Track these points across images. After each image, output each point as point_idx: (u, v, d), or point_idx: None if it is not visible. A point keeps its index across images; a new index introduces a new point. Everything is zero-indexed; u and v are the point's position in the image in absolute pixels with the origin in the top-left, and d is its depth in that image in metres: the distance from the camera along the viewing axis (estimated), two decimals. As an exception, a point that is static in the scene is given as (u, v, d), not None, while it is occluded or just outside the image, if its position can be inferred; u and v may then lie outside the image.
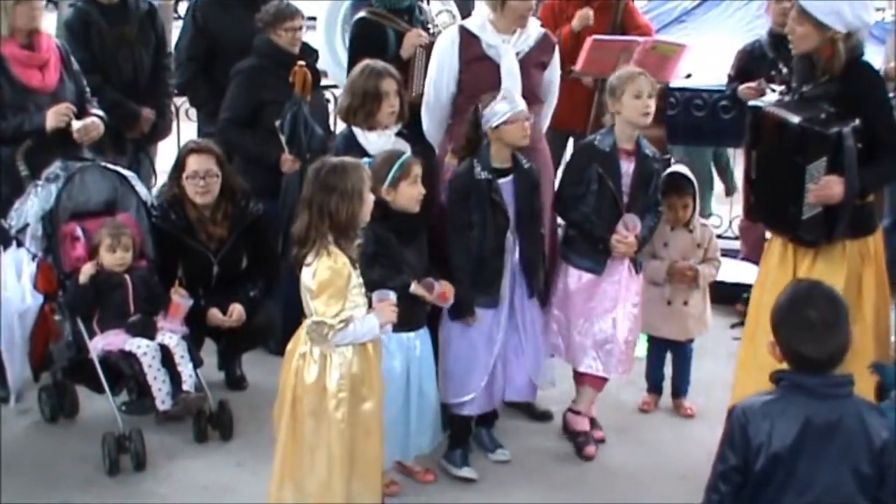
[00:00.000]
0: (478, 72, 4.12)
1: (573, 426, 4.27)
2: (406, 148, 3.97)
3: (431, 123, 4.29)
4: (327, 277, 3.18)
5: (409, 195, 3.65)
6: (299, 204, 3.27)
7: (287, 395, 3.30)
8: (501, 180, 3.90)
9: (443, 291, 3.75)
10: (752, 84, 5.10)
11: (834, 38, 3.51)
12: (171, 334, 4.08)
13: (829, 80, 3.55)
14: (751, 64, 5.31)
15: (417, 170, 3.67)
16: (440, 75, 4.20)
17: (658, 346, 4.55)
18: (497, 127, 3.85)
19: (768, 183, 3.66)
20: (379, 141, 4.02)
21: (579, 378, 4.27)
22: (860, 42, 3.56)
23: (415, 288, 3.69)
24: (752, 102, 3.79)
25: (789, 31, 3.64)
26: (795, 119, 3.49)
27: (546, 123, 4.41)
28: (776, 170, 3.61)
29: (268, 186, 4.66)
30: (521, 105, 3.83)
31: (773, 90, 4.22)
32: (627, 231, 3.97)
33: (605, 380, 4.20)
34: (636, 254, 4.07)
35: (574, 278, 4.11)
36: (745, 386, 3.68)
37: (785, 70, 4.42)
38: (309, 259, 3.22)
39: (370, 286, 3.40)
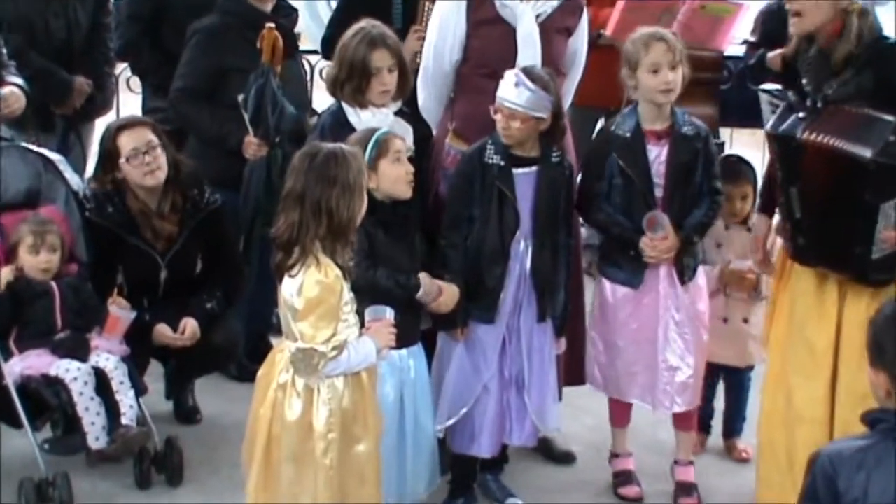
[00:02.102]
0: (489, 37, 4.08)
1: (614, 467, 4.28)
2: (406, 130, 3.94)
3: (429, 97, 4.26)
4: (316, 294, 3.16)
5: (394, 175, 3.64)
6: (284, 199, 3.22)
7: (260, 433, 3.28)
8: (520, 170, 3.86)
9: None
10: (785, 51, 5.03)
11: (848, 11, 3.42)
12: (107, 355, 4.02)
13: (858, 73, 3.46)
14: (779, 26, 5.23)
15: (399, 145, 3.67)
16: (442, 39, 4.15)
17: (708, 374, 4.41)
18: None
19: (823, 223, 3.57)
20: (373, 120, 3.97)
21: (613, 414, 4.27)
22: (876, 18, 3.47)
23: (423, 294, 3.68)
24: (774, 129, 3.63)
25: (789, 3, 3.55)
26: (866, 152, 3.36)
27: (568, 100, 4.36)
28: (835, 208, 3.51)
29: (228, 174, 4.62)
30: (520, 101, 3.76)
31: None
32: (653, 232, 3.92)
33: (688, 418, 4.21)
34: (679, 257, 3.99)
35: (609, 293, 4.09)
36: (775, 447, 3.69)
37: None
38: (294, 270, 3.19)
39: (377, 295, 3.42)
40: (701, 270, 4.14)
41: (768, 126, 3.64)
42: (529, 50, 4.01)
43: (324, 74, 4.52)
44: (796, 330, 3.67)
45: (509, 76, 3.78)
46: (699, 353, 4.09)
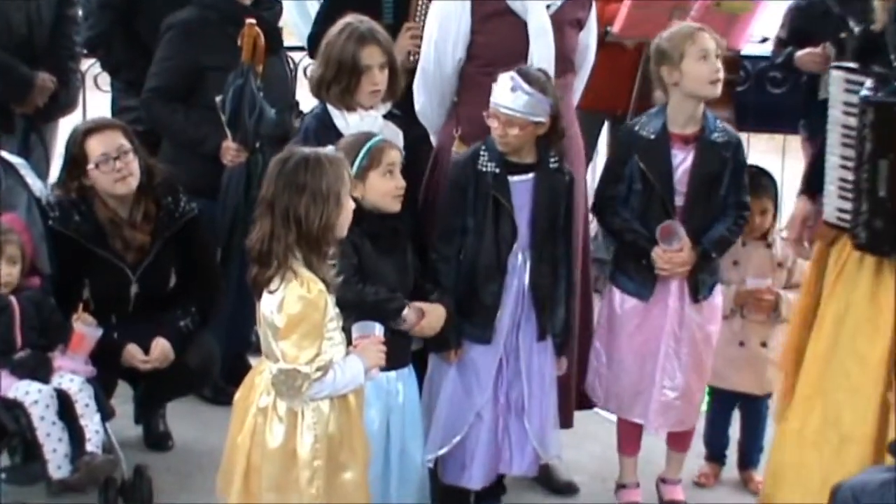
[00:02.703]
0: (497, 31, 4.05)
1: (621, 499, 4.25)
2: (396, 134, 3.92)
3: (429, 101, 4.23)
4: (299, 311, 3.16)
5: (382, 189, 3.65)
6: (257, 207, 3.23)
7: (239, 462, 3.26)
8: (516, 178, 3.85)
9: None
10: (816, 49, 5.05)
11: None
12: (71, 376, 3.98)
13: None
14: (808, 23, 5.29)
15: (393, 156, 3.68)
16: (444, 35, 4.11)
17: (723, 401, 4.47)
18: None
19: None
20: (362, 124, 3.96)
21: (621, 439, 4.24)
22: None
23: (407, 313, 3.66)
24: (867, 97, 3.60)
25: None
26: None
27: (576, 100, 4.37)
28: None
29: (205, 181, 4.61)
30: (518, 106, 3.76)
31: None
32: (667, 244, 3.94)
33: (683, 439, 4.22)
34: (694, 273, 4.00)
35: (617, 303, 4.10)
36: (807, 469, 3.66)
37: (857, 29, 4.32)
38: (273, 284, 3.18)
39: (364, 312, 3.39)
40: (719, 289, 4.15)
41: (862, 94, 3.59)
42: (542, 43, 4.01)
43: (308, 73, 4.51)
44: (845, 343, 3.66)
45: (504, 80, 3.76)
46: (697, 375, 4.10)
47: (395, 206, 3.68)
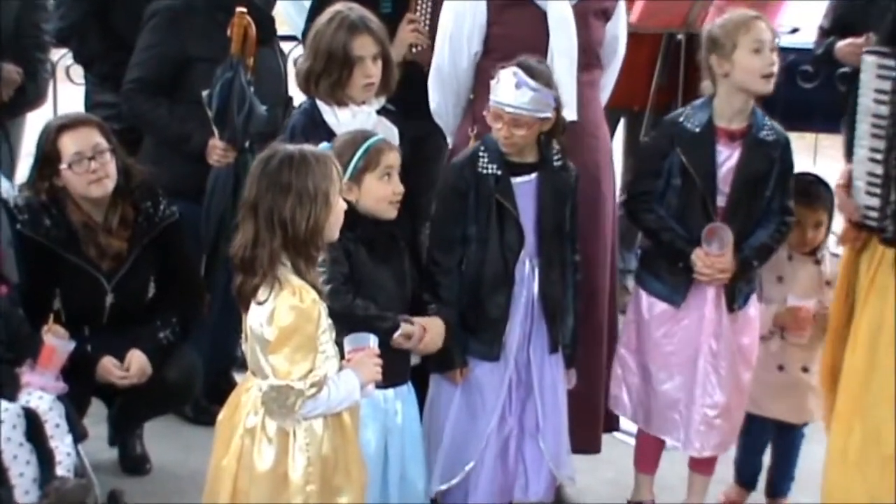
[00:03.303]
0: (515, 22, 4.07)
1: None
2: (391, 131, 3.91)
3: (444, 98, 4.25)
4: (291, 322, 3.16)
5: (378, 194, 3.66)
6: (240, 209, 3.24)
7: (224, 487, 3.27)
8: (518, 179, 3.86)
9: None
10: (858, 40, 5.03)
11: None
12: (40, 393, 3.96)
13: None
14: (853, 12, 5.28)
15: (391, 159, 3.68)
16: (459, 28, 4.13)
17: (757, 427, 4.40)
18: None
19: None
20: (353, 120, 3.97)
21: (640, 455, 4.26)
22: None
23: (404, 328, 3.64)
24: None
25: None
26: None
27: (606, 96, 4.39)
28: None
29: (189, 183, 4.61)
30: (524, 104, 3.75)
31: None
32: (709, 246, 3.92)
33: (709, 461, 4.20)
34: (733, 280, 3.98)
35: (645, 307, 4.11)
36: (856, 494, 3.66)
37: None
38: (261, 294, 3.18)
39: (351, 323, 3.39)
40: (753, 299, 4.12)
41: None
42: (563, 35, 4.03)
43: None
44: (882, 358, 3.64)
45: (506, 76, 3.77)
46: (736, 392, 4.07)
47: (390, 213, 3.68)
